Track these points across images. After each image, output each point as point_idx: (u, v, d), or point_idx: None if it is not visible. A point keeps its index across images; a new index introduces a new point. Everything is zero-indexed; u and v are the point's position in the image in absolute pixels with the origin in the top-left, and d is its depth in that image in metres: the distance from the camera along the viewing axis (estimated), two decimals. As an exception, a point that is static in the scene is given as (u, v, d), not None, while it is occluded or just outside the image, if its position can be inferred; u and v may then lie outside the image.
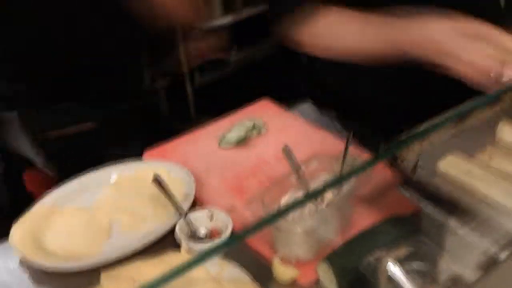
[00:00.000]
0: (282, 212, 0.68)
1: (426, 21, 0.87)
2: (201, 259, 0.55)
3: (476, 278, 0.61)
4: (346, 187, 0.86)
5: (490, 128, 0.89)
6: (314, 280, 0.82)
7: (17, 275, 0.88)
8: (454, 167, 0.79)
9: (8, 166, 1.35)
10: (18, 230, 0.90)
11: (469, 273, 0.64)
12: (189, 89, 2.55)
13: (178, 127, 1.31)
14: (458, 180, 0.77)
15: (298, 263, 0.84)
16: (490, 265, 0.63)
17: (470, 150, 0.83)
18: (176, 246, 0.87)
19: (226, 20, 2.54)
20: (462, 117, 0.90)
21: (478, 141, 0.85)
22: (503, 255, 0.63)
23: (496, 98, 0.95)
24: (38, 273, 0.87)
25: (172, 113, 2.60)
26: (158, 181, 0.91)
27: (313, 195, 0.81)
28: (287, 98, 1.31)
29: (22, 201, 1.00)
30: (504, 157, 0.81)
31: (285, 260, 0.84)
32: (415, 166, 0.82)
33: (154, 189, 0.92)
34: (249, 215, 0.92)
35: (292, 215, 0.84)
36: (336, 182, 0.83)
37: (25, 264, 0.89)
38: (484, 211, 0.72)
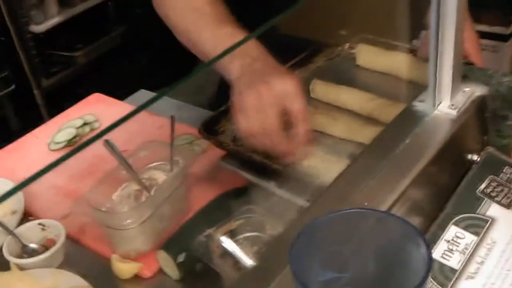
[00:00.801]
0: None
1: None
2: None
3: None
4: (175, 169, 0.85)
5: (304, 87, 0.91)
6: (155, 270, 0.81)
7: None
8: None
9: None
10: None
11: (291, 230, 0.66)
12: (37, 94, 2.40)
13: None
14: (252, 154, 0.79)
15: (139, 256, 0.82)
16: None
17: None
18: (5, 267, 0.81)
19: (64, 16, 2.41)
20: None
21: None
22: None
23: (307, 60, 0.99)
24: None
25: (22, 122, 2.44)
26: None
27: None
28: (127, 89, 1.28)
29: None
30: (317, 115, 0.84)
31: (125, 256, 0.82)
32: (234, 138, 0.82)
33: (-30, 211, 0.85)
34: (85, 218, 0.88)
35: (122, 208, 0.82)
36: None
37: None
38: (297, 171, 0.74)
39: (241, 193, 0.82)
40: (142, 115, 1.16)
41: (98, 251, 0.85)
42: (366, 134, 0.79)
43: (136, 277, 0.81)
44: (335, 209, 0.53)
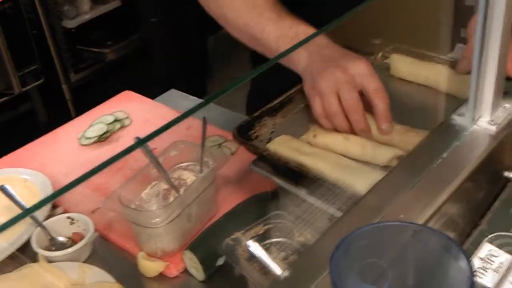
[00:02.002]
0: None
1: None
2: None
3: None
4: (205, 170, 0.85)
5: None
6: (180, 270, 0.81)
7: None
8: (283, 147, 0.80)
9: None
10: None
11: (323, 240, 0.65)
12: (65, 88, 2.43)
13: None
14: (288, 158, 0.78)
15: (165, 255, 0.82)
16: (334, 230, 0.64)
17: (296, 132, 0.85)
18: (34, 258, 0.82)
19: (96, 13, 2.44)
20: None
21: (303, 123, 0.86)
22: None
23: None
24: None
25: (50, 115, 2.48)
26: (4, 191, 0.85)
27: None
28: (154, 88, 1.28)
29: None
30: (326, 134, 0.83)
31: (151, 254, 0.82)
32: (266, 142, 0.82)
33: (2, 200, 0.86)
34: (113, 214, 0.89)
35: (150, 206, 0.82)
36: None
37: None
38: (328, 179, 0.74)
39: (270, 198, 0.82)
40: (172, 114, 1.17)
41: (124, 248, 0.86)
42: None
43: (161, 276, 0.81)
44: (369, 220, 0.53)
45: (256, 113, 0.85)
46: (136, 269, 0.81)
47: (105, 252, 0.86)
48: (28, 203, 0.88)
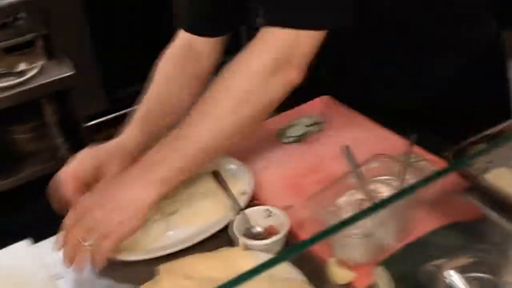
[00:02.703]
0: (348, 222, 0.67)
1: None
2: (269, 264, 0.57)
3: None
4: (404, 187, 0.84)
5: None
6: (370, 284, 0.80)
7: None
8: (502, 180, 0.75)
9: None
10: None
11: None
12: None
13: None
14: (506, 192, 0.73)
15: (355, 266, 0.82)
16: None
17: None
18: (230, 242, 0.88)
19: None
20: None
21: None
22: None
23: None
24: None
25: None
26: (217, 176, 0.92)
27: (378, 206, 0.78)
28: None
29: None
30: None
31: (342, 262, 0.83)
32: (482, 172, 0.78)
33: (212, 184, 0.92)
34: (306, 214, 0.91)
35: (344, 215, 0.83)
36: (406, 190, 0.81)
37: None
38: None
39: (475, 228, 0.78)
40: (368, 124, 1.16)
41: (313, 250, 0.87)
42: None
43: (349, 285, 0.81)
44: None
45: (472, 139, 0.81)
46: (324, 272, 0.83)
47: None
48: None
